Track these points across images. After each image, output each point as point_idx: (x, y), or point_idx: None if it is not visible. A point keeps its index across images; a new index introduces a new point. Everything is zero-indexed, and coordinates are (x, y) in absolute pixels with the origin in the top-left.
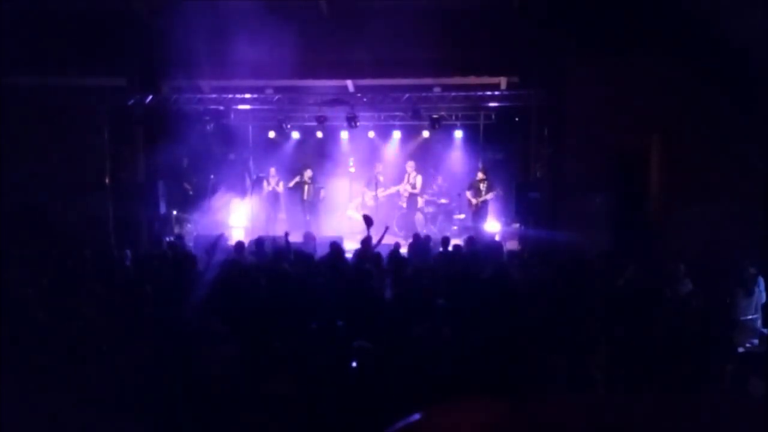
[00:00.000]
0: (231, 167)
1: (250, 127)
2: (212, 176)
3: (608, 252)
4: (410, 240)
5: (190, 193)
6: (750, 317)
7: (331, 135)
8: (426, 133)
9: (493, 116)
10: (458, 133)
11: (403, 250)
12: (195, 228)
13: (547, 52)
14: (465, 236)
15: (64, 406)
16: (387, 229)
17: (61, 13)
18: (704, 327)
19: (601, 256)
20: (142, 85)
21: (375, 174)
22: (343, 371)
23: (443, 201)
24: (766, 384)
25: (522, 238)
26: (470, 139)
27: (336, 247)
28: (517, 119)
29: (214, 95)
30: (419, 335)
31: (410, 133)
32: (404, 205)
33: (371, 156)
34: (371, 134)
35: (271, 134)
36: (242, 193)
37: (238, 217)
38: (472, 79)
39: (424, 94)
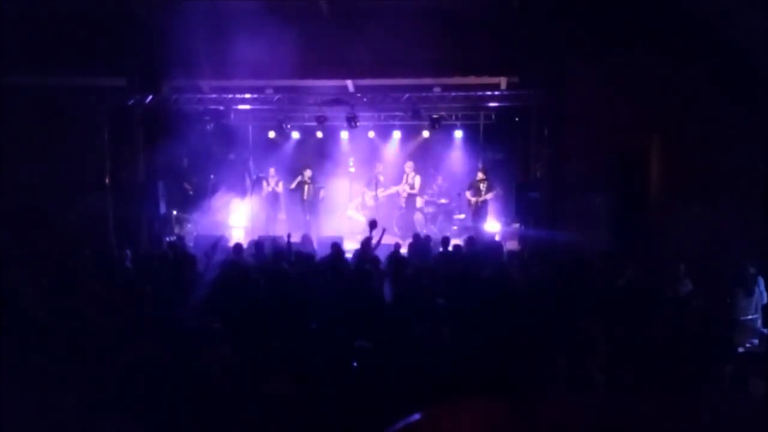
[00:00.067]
0: (231, 167)
1: (250, 127)
2: (212, 176)
3: (608, 252)
4: (410, 240)
5: (190, 193)
6: (750, 317)
7: (331, 135)
8: (426, 133)
9: (493, 116)
10: (458, 133)
11: (403, 251)
12: (195, 228)
13: (547, 52)
14: (465, 236)
15: (64, 406)
16: (384, 231)
17: (61, 13)
18: (704, 327)
19: (601, 256)
20: (142, 85)
21: (375, 174)
22: (344, 371)
23: (443, 201)
24: (766, 384)
25: (522, 238)
26: (470, 139)
27: (337, 248)
28: (517, 119)
29: (214, 95)
30: (419, 335)
31: (410, 133)
32: (403, 205)
33: (371, 156)
34: (371, 134)
35: (271, 134)
36: (242, 193)
37: (238, 217)
38: (472, 79)
39: (424, 94)
